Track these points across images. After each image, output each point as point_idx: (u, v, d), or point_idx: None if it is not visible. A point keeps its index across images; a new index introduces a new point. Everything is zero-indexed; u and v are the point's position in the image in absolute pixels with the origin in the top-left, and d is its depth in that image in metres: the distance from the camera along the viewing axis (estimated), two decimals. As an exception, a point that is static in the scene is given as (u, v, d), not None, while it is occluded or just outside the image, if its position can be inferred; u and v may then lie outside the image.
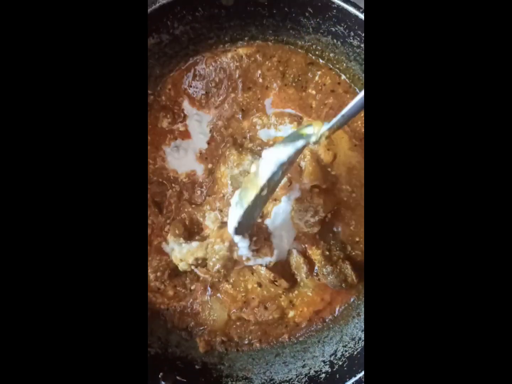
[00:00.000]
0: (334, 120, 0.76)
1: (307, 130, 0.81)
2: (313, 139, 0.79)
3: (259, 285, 1.05)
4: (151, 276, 1.06)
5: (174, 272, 1.08)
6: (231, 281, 1.07)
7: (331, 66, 1.09)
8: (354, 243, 1.06)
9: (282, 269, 1.05)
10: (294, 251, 1.04)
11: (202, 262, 1.03)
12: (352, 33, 0.95)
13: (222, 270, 1.01)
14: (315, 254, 1.02)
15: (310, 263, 1.04)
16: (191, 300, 1.09)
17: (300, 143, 0.80)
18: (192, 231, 1.07)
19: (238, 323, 1.09)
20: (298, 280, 1.06)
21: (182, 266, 1.03)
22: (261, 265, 1.03)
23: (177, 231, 1.05)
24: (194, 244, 1.02)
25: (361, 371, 0.89)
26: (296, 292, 1.07)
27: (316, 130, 0.79)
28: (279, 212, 1.03)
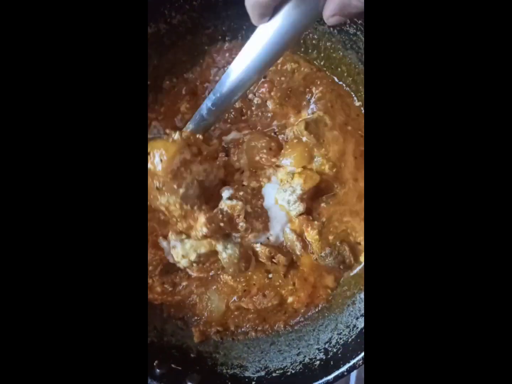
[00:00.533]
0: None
1: None
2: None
3: (268, 272, 1.05)
4: None
5: (166, 269, 1.08)
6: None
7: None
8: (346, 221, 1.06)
9: (279, 248, 1.05)
10: (287, 229, 1.04)
11: (203, 259, 1.03)
12: (348, 21, 0.95)
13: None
14: (311, 236, 1.02)
15: (303, 241, 1.04)
16: (187, 291, 1.09)
17: None
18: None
19: (236, 313, 1.09)
20: (294, 258, 1.06)
21: (183, 264, 1.03)
22: (256, 242, 1.03)
23: (179, 229, 1.02)
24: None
25: (355, 357, 0.88)
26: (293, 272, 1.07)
27: None
28: (267, 192, 1.04)
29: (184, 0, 1.00)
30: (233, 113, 1.10)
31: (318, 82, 1.10)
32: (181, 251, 1.02)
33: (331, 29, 1.01)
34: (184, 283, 1.09)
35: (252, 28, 1.08)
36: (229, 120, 1.10)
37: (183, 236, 1.02)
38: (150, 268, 1.06)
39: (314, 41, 1.08)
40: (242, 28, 1.10)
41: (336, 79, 1.11)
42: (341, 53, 1.06)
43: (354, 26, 0.95)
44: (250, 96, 1.10)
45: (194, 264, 1.03)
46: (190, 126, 0.96)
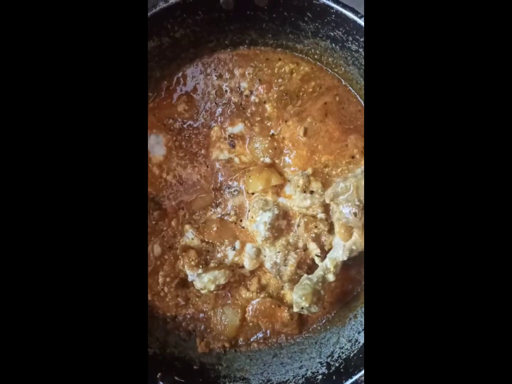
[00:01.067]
0: None
1: None
2: None
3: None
4: (160, 279, 1.07)
5: (182, 282, 1.09)
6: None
7: (330, 71, 1.10)
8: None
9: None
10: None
11: (222, 286, 1.06)
12: (350, 38, 0.96)
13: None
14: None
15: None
16: (203, 306, 1.10)
17: None
18: (206, 259, 1.06)
19: (250, 325, 1.10)
20: None
21: (203, 292, 1.05)
22: None
23: (192, 263, 1.03)
24: (215, 273, 1.03)
25: (357, 373, 0.89)
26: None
27: None
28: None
29: (187, 15, 1.00)
30: (234, 107, 1.10)
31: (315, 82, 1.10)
32: (199, 284, 1.04)
33: (333, 45, 1.02)
34: (198, 298, 1.10)
35: (254, 42, 1.10)
36: (235, 112, 1.10)
37: (200, 271, 1.03)
38: (167, 279, 1.07)
39: (316, 56, 1.09)
40: (245, 42, 1.10)
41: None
42: (343, 69, 1.07)
43: (356, 43, 0.95)
44: (246, 92, 1.10)
45: (214, 291, 1.06)
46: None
